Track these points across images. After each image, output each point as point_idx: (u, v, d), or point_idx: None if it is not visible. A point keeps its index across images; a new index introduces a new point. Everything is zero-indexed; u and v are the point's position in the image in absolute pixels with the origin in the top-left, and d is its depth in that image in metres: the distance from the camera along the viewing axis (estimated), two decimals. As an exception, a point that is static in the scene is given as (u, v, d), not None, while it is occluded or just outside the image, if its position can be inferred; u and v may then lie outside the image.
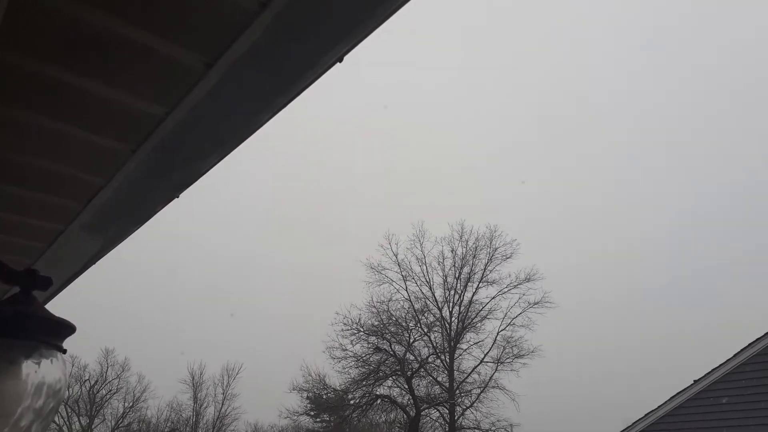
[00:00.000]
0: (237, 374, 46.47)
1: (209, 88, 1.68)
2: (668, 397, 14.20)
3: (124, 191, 2.28)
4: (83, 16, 1.48)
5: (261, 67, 1.62)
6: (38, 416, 1.34)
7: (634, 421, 14.52)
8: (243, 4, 1.43)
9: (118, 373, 43.88)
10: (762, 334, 13.28)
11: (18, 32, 1.52)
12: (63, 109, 1.83)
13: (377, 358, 29.81)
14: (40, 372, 1.37)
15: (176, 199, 2.43)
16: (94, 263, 2.89)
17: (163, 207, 2.45)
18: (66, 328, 1.44)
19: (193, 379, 46.10)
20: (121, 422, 43.42)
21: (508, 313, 31.34)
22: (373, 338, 30.11)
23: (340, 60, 1.70)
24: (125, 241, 2.80)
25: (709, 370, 13.70)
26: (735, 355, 13.50)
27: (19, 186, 2.29)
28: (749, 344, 13.37)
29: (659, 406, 14.26)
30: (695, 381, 13.92)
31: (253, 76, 1.65)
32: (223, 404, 45.88)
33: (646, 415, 14.36)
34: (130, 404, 44.02)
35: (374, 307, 30.78)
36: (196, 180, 2.24)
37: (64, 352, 1.45)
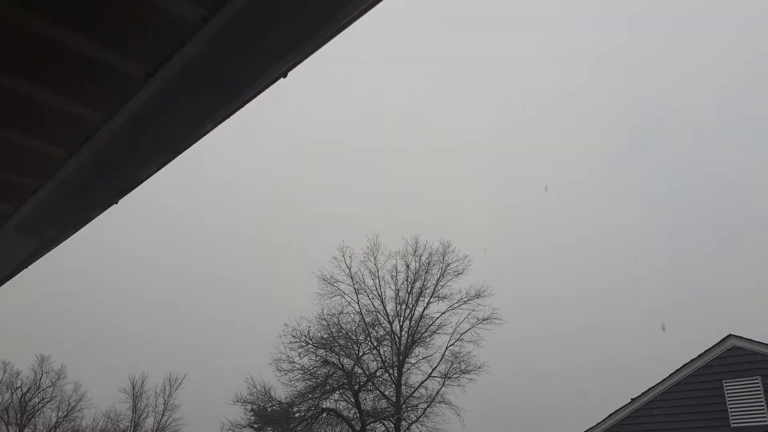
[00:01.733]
0: (180, 384, 45.27)
1: (149, 97, 1.68)
2: (606, 416, 14.60)
3: (60, 195, 2.23)
4: (25, 21, 1.46)
5: (202, 79, 1.63)
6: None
7: (573, 438, 14.85)
8: (186, 17, 1.45)
9: (53, 380, 42.08)
10: (696, 356, 13.84)
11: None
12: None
13: (325, 371, 29.58)
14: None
15: (115, 204, 2.40)
16: (29, 266, 2.81)
17: (102, 212, 2.40)
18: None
19: (133, 388, 44.66)
20: (53, 432, 41.57)
21: (458, 328, 31.65)
22: (321, 351, 29.88)
23: (284, 75, 1.73)
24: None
25: (645, 389, 14.17)
26: (670, 376, 14.01)
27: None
28: (683, 365, 13.90)
29: (597, 424, 14.63)
30: (632, 399, 14.37)
31: (194, 87, 1.66)
32: (163, 415, 44.56)
33: (584, 432, 14.70)
34: (64, 413, 42.21)
35: (324, 319, 30.57)
36: (136, 186, 2.21)
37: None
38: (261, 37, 1.55)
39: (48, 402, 41.90)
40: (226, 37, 1.52)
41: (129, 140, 1.88)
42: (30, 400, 41.14)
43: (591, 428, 14.66)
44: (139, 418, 44.13)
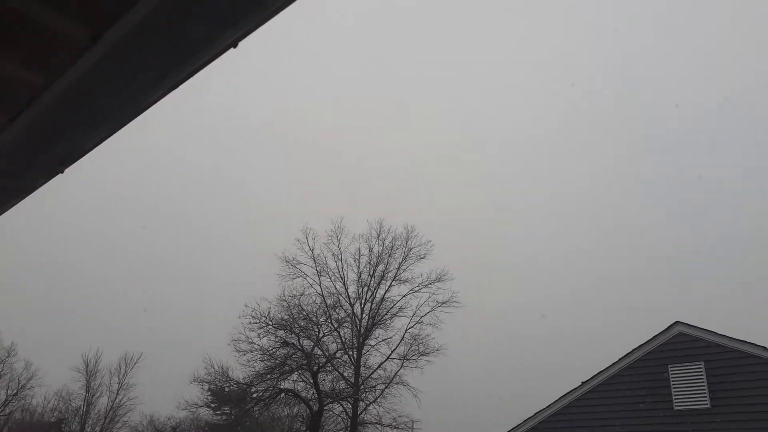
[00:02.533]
0: (135, 364, 44.60)
1: (95, 61, 1.63)
2: (558, 397, 15.03)
3: (1, 162, 2.15)
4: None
5: (151, 44, 1.59)
6: None
7: (525, 419, 15.26)
8: (132, -21, 1.41)
9: (3, 358, 40.88)
10: (643, 342, 14.34)
11: None
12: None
13: (284, 352, 29.57)
14: None
15: (61, 174, 2.32)
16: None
17: (46, 181, 2.33)
18: None
19: (87, 367, 43.78)
20: (2, 410, 40.48)
21: (417, 311, 32.01)
22: (281, 332, 29.84)
23: (234, 46, 1.70)
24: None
25: (595, 372, 14.63)
26: (619, 360, 14.50)
27: None
28: (632, 350, 14.39)
29: (548, 406, 15.06)
30: (583, 383, 14.82)
31: (142, 52, 1.61)
32: (118, 394, 43.88)
33: (535, 413, 15.12)
34: (14, 392, 41.12)
35: (285, 301, 30.52)
36: (82, 156, 2.15)
37: None
38: (210, 3, 1.52)
39: (-4, 380, 40.76)
40: (177, 1, 1.48)
41: (74, 106, 1.82)
42: (-23, 378, 39.94)
43: (541, 410, 15.08)
44: (92, 397, 43.35)
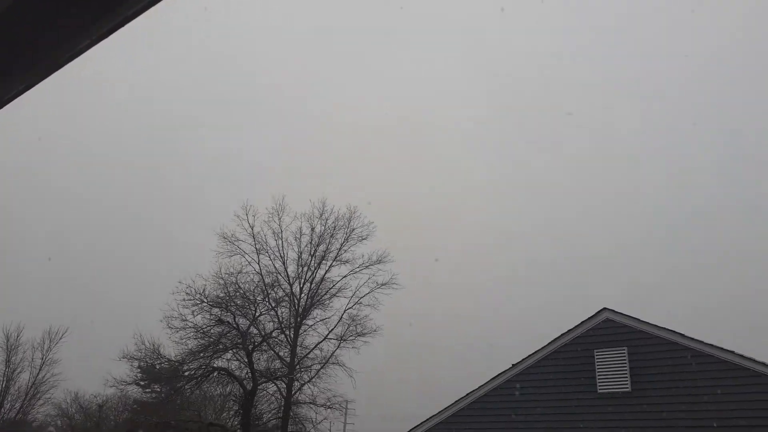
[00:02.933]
0: (60, 338, 42.84)
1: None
2: (489, 378, 15.45)
3: None
4: None
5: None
6: None
7: (457, 399, 15.62)
8: None
9: None
10: (572, 326, 14.90)
11: None
12: None
13: (219, 330, 29.08)
14: None
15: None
16: None
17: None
18: None
19: (7, 341, 41.71)
20: None
21: (357, 292, 32.11)
22: (216, 310, 29.30)
23: (173, -6, 1.58)
24: None
25: (525, 355, 15.12)
26: (548, 344, 15.01)
27: None
28: (561, 335, 14.93)
29: (478, 387, 15.47)
30: (513, 365, 15.29)
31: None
32: (40, 370, 42.10)
33: (467, 394, 15.51)
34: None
35: (222, 278, 29.95)
36: (1, 107, 1.97)
37: None
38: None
39: None
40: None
41: (-10, 49, 1.65)
42: None
43: (472, 391, 15.47)
44: (12, 372, 41.42)
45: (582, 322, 14.78)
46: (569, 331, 14.88)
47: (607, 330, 14.41)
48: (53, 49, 1.64)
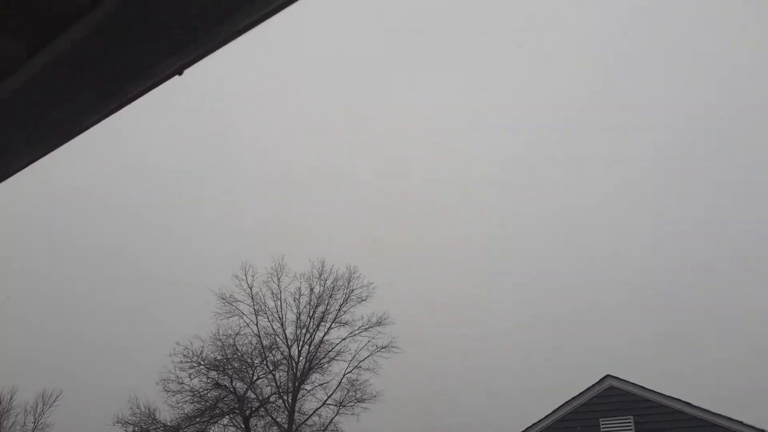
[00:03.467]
0: (54, 402, 41.81)
1: (27, 79, 1.56)
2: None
3: None
4: None
5: (88, 66, 1.54)
6: None
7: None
8: (75, -1, 1.37)
9: None
10: (576, 394, 14.58)
11: None
12: None
13: (216, 394, 28.45)
14: None
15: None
16: None
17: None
18: None
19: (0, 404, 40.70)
20: None
21: (356, 355, 31.57)
22: (213, 373, 28.75)
23: (179, 73, 1.67)
24: None
25: (528, 425, 14.72)
26: (552, 412, 14.65)
27: None
28: (564, 403, 14.59)
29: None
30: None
31: (78, 74, 1.56)
32: (32, 434, 40.82)
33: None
34: None
35: (220, 340, 29.53)
36: (7, 177, 2.04)
37: None
38: (152, 30, 1.49)
39: None
40: (116, 25, 1.45)
41: (2, 125, 1.74)
42: None
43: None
44: (2, 438, 40.20)
45: (586, 390, 14.48)
46: (573, 398, 14.55)
47: (612, 398, 14.09)
48: (65, 123, 1.72)
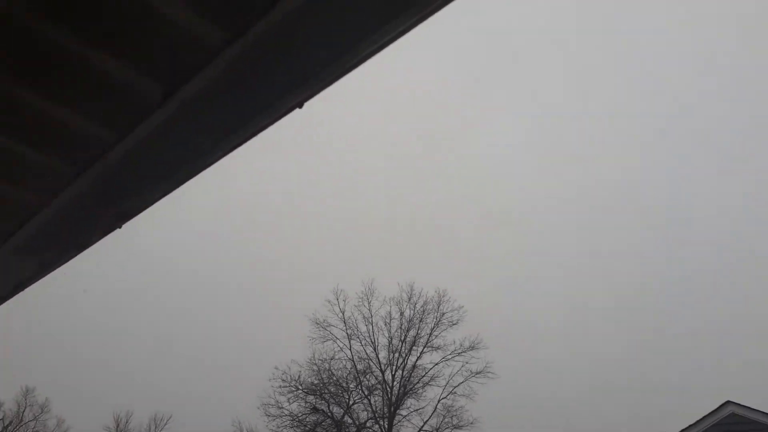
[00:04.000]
0: (165, 425, 44.07)
1: (164, 119, 1.68)
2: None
3: (63, 215, 2.20)
4: (42, 29, 1.47)
5: (219, 104, 1.63)
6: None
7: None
8: (208, 40, 1.46)
9: (36, 414, 40.95)
10: (692, 422, 13.53)
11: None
12: (7, 124, 1.77)
13: (314, 418, 28.89)
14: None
15: (119, 229, 2.36)
16: (25, 289, 2.75)
17: (104, 236, 2.37)
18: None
19: (117, 426, 43.43)
20: (31, 469, 40.22)
21: (450, 380, 31.05)
22: (311, 397, 29.25)
23: (300, 106, 1.73)
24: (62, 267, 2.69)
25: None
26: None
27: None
28: (681, 431, 13.57)
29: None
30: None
31: (208, 111, 1.66)
32: (146, 458, 43.18)
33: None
34: (45, 450, 40.94)
35: (316, 364, 30.06)
36: (141, 211, 2.18)
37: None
38: (280, 65, 1.55)
39: (30, 437, 40.77)
40: (246, 62, 1.52)
41: (139, 162, 1.87)
42: (11, 433, 40.02)
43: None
44: (120, 460, 42.77)
45: (703, 417, 13.40)
46: (690, 426, 13.51)
47: (733, 426, 12.95)
48: (196, 159, 1.82)
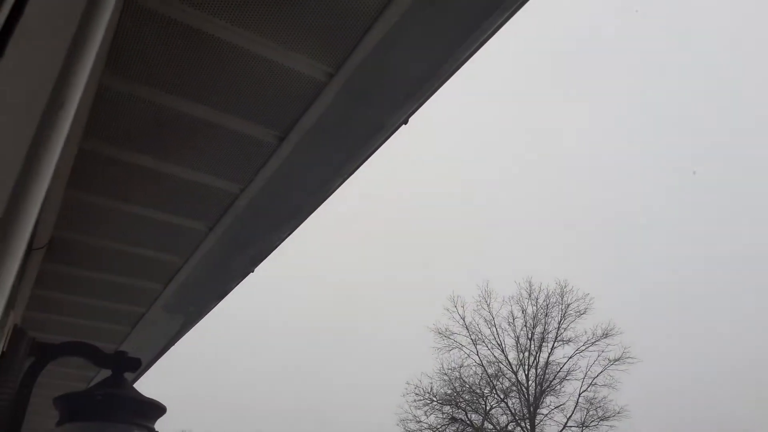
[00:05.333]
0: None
1: (282, 160, 1.72)
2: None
3: (201, 269, 2.33)
4: (163, 103, 1.56)
5: (331, 135, 1.65)
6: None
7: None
8: (313, 76, 1.48)
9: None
10: None
11: (100, 120, 1.61)
12: (140, 193, 1.90)
13: (454, 428, 28.68)
14: (135, 454, 1.37)
15: (252, 273, 2.47)
16: (175, 342, 2.94)
17: (239, 282, 2.48)
18: (157, 410, 1.44)
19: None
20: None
21: (588, 372, 29.72)
22: (447, 408, 29.09)
23: (405, 122, 1.72)
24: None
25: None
26: None
27: (103, 272, 2.38)
28: None
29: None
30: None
31: (323, 144, 1.68)
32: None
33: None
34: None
35: (445, 374, 29.86)
36: (270, 252, 2.27)
37: (155, 433, 1.44)
38: (381, 88, 1.55)
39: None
40: (350, 92, 1.53)
41: (264, 206, 1.94)
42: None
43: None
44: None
45: None
46: None
47: None
48: (314, 193, 1.86)
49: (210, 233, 2.07)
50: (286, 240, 2.23)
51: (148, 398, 1.43)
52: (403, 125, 1.74)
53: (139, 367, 1.51)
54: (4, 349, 1.37)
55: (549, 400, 29.95)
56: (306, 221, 2.09)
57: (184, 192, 1.90)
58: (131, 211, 1.98)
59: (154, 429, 1.43)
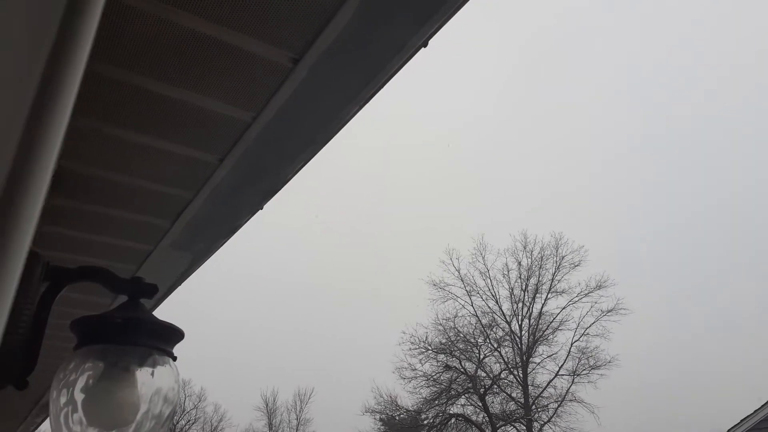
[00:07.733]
0: (309, 399, 46.79)
1: (296, 85, 1.66)
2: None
3: (211, 204, 2.28)
4: (170, 20, 1.48)
5: (348, 57, 1.58)
6: (158, 422, 1.31)
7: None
8: (328, -7, 1.40)
9: (195, 403, 44.96)
10: None
11: (107, 42, 1.53)
12: (148, 121, 1.83)
13: (448, 376, 29.37)
14: (155, 378, 1.35)
15: (261, 210, 2.42)
16: (183, 281, 2.92)
17: (248, 218, 2.44)
18: (176, 334, 1.42)
19: (267, 405, 46.70)
20: (200, 452, 44.40)
21: (581, 323, 30.29)
22: (441, 356, 29.73)
23: (425, 45, 1.65)
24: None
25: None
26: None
27: (107, 206, 2.32)
28: None
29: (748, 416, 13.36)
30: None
31: (340, 66, 1.61)
32: (297, 430, 46.22)
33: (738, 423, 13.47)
34: (209, 433, 44.98)
35: (440, 324, 30.42)
36: (281, 187, 2.22)
37: (175, 359, 1.42)
38: (401, 5, 1.48)
39: (193, 423, 44.88)
40: (370, 6, 1.46)
41: (277, 136, 1.88)
42: (177, 422, 44.23)
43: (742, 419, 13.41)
44: (276, 434, 46.07)
45: None
46: None
47: None
48: (329, 121, 1.80)
49: (220, 165, 2.02)
50: (299, 173, 2.17)
51: (168, 323, 1.41)
52: (423, 48, 1.67)
53: (156, 293, 1.48)
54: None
55: (541, 349, 30.63)
56: (320, 151, 2.03)
57: (194, 121, 1.83)
58: (137, 140, 1.92)
59: (173, 353, 1.41)
